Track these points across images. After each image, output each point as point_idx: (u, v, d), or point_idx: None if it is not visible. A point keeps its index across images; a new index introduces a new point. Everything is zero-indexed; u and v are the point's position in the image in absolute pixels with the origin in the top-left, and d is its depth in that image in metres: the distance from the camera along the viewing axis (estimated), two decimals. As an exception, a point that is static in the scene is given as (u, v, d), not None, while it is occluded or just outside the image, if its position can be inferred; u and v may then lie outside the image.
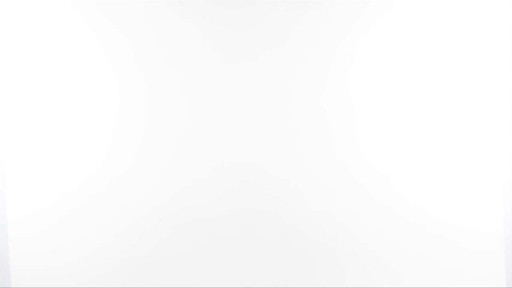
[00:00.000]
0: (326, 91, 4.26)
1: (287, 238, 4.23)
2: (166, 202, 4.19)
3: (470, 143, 4.15)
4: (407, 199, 4.19)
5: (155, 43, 4.23)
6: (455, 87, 4.17)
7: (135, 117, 4.19)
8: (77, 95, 4.16)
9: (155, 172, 4.19)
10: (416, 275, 4.17)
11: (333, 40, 4.24)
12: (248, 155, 4.25)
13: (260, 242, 4.23)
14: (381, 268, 4.21)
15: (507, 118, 4.10)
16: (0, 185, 4.04)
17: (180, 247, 4.18)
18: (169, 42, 4.23)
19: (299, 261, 4.22)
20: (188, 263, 4.20)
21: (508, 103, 4.09)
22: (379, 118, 4.24)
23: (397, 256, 4.19)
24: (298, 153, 4.24)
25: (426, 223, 4.17)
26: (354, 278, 4.21)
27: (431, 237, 4.17)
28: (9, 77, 4.10)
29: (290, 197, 4.24)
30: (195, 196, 4.23)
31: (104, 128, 4.18)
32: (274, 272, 4.24)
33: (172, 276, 4.12)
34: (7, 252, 4.04)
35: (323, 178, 4.24)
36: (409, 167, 4.21)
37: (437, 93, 4.19)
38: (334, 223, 4.23)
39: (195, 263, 4.22)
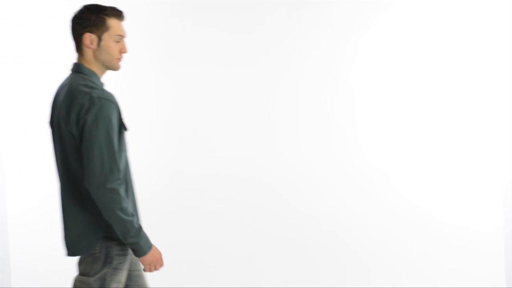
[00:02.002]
0: (328, 92, 4.26)
1: (287, 236, 4.23)
2: (167, 199, 4.21)
3: (470, 144, 4.16)
4: (407, 198, 4.19)
5: (157, 47, 4.24)
6: (455, 88, 4.17)
7: (138, 117, 4.20)
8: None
9: (158, 170, 4.21)
10: (416, 275, 4.17)
11: (334, 41, 4.24)
12: (250, 154, 4.26)
13: (260, 240, 4.24)
14: (381, 267, 4.21)
15: (507, 118, 4.10)
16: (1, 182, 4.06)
17: (179, 243, 4.18)
18: (171, 45, 4.24)
19: (299, 259, 4.22)
20: (186, 260, 4.21)
21: (508, 103, 4.10)
22: (379, 118, 4.24)
23: (397, 255, 4.19)
24: (300, 151, 4.25)
25: (426, 223, 4.17)
26: (354, 277, 4.21)
27: (431, 236, 4.17)
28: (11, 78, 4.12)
29: (291, 195, 4.25)
30: (195, 193, 4.24)
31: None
32: (273, 270, 4.25)
33: (170, 274, 4.11)
34: (7, 248, 4.05)
35: (324, 177, 4.24)
36: (409, 167, 4.21)
37: (437, 93, 4.19)
38: (334, 222, 4.23)
39: (193, 260, 4.23)
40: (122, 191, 2.31)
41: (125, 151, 2.44)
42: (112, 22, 2.39)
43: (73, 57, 4.13)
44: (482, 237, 4.13)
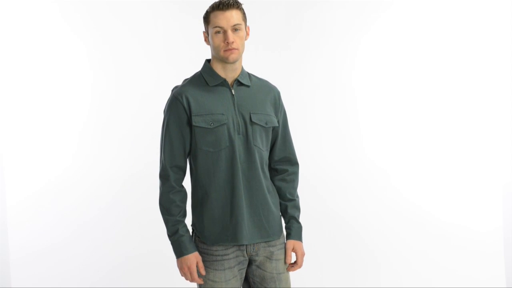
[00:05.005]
0: (329, 92, 4.27)
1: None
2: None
3: (470, 144, 4.16)
4: (407, 198, 4.19)
5: (156, 47, 4.24)
6: (455, 88, 4.18)
7: (137, 116, 4.20)
8: (69, 99, 4.16)
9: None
10: (415, 275, 4.17)
11: (334, 42, 4.25)
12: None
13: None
14: (380, 267, 4.21)
15: (507, 118, 4.10)
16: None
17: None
18: (171, 46, 4.24)
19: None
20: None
21: (508, 103, 4.10)
22: (380, 118, 4.24)
23: (397, 255, 4.19)
24: (300, 152, 4.23)
25: (426, 223, 4.17)
26: (353, 276, 4.21)
27: (431, 236, 4.17)
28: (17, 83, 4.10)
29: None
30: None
31: (106, 127, 4.19)
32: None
33: (168, 273, 4.09)
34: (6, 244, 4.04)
35: (324, 176, 4.24)
36: (409, 167, 4.21)
37: (437, 93, 4.20)
38: (334, 221, 4.23)
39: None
40: (164, 184, 2.42)
41: (205, 144, 2.39)
42: (212, 15, 2.36)
43: (73, 56, 4.15)
44: (481, 237, 4.13)
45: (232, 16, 2.34)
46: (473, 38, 4.13)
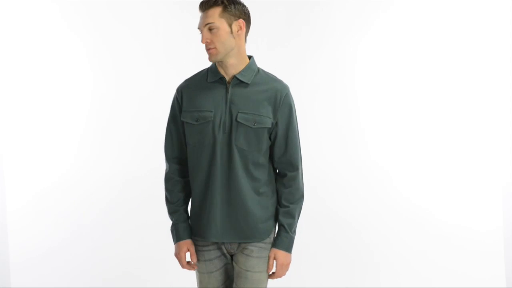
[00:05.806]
0: (330, 93, 4.27)
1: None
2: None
3: (470, 144, 4.16)
4: (407, 198, 4.19)
5: (158, 44, 4.24)
6: (455, 88, 4.18)
7: (137, 118, 4.20)
8: (69, 100, 4.16)
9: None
10: (415, 275, 4.17)
11: (334, 43, 4.25)
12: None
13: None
14: (380, 267, 4.21)
15: (507, 118, 4.11)
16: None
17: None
18: (171, 46, 4.24)
19: (299, 259, 4.21)
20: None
21: (508, 103, 4.10)
22: (380, 119, 4.24)
23: (396, 255, 4.19)
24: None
25: (426, 223, 4.17)
26: (352, 276, 4.21)
27: (431, 236, 4.17)
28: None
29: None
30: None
31: (106, 128, 4.19)
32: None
33: (168, 274, 4.10)
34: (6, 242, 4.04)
35: (323, 177, 4.24)
36: (410, 167, 4.21)
37: (437, 94, 4.20)
38: (334, 222, 4.23)
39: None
40: (166, 174, 2.50)
41: (192, 139, 2.42)
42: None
43: (73, 57, 4.15)
44: (481, 237, 4.14)
45: (207, 15, 2.30)
46: (473, 38, 4.13)
